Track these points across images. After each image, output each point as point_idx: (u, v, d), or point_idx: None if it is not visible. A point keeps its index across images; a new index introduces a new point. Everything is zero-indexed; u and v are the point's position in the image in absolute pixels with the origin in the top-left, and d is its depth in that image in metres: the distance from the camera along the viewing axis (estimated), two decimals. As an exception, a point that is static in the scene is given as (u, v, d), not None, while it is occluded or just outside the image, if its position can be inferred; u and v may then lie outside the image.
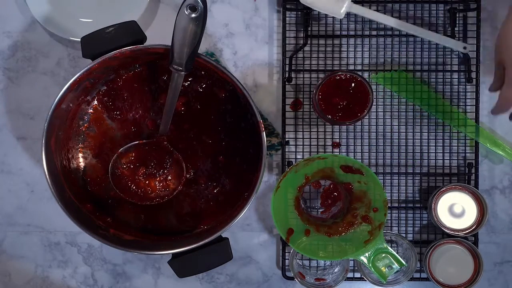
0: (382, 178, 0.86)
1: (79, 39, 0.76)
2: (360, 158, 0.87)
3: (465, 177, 0.86)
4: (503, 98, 0.73)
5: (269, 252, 0.88)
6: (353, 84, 0.76)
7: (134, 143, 0.80)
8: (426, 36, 0.83)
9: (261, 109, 0.87)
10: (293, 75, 0.86)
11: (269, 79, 0.88)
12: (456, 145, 0.87)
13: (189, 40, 0.72)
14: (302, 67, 0.87)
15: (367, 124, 0.87)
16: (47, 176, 0.76)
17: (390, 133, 0.87)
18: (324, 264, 0.87)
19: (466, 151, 0.87)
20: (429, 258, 0.83)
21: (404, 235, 0.87)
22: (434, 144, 0.87)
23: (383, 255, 0.77)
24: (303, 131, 0.87)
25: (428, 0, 0.86)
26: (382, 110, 0.86)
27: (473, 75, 0.86)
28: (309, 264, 0.87)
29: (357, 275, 0.86)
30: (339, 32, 0.87)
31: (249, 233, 0.88)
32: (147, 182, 0.81)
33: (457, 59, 0.87)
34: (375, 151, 0.87)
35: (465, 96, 0.87)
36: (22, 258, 0.89)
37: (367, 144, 0.87)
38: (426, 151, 0.87)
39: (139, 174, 0.80)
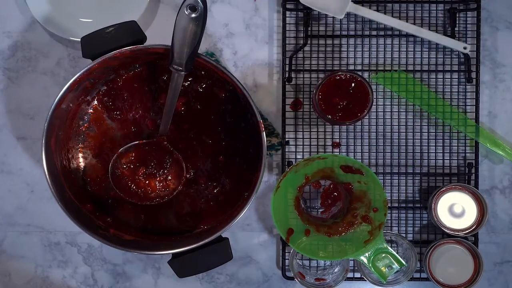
0: (382, 178, 0.86)
1: (79, 39, 0.76)
2: (360, 158, 0.87)
3: (465, 177, 0.86)
4: None
5: (269, 252, 0.88)
6: (353, 84, 0.76)
7: (134, 143, 0.80)
8: (426, 36, 0.83)
9: (261, 109, 0.87)
10: (293, 75, 0.86)
11: (269, 79, 0.88)
12: (456, 145, 0.86)
13: (189, 40, 0.72)
14: (302, 67, 0.87)
15: (367, 124, 0.86)
16: (47, 176, 0.76)
17: (390, 133, 0.87)
18: (324, 264, 0.87)
19: (466, 151, 0.87)
20: (429, 258, 0.83)
21: (404, 235, 0.87)
22: (434, 144, 0.87)
23: (383, 255, 0.77)
24: (303, 131, 0.87)
25: (428, 0, 0.86)
26: (382, 110, 0.86)
27: (473, 75, 0.86)
28: (309, 264, 0.87)
29: (357, 275, 0.86)
30: (339, 32, 0.87)
31: (249, 233, 0.88)
32: (147, 182, 0.81)
33: (457, 59, 0.87)
34: (375, 151, 0.87)
35: (465, 96, 0.87)
36: (22, 258, 0.89)
37: (367, 144, 0.87)
38: (426, 151, 0.87)
39: (139, 174, 0.80)
